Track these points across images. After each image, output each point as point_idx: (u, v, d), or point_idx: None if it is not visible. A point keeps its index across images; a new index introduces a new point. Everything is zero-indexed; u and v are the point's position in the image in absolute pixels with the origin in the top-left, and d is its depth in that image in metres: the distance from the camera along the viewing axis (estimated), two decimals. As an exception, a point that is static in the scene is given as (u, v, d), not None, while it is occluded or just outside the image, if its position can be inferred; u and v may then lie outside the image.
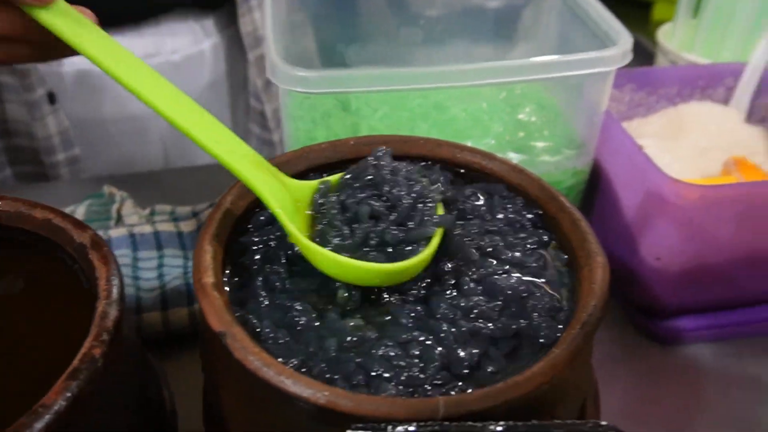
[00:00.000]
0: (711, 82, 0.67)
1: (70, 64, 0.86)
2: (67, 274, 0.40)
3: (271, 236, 0.41)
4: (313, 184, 0.42)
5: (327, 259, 0.37)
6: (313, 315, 0.36)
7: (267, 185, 0.40)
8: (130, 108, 0.91)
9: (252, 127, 1.01)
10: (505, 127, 0.62)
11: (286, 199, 0.40)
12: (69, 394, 0.30)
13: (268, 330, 0.35)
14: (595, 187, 0.60)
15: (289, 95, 0.55)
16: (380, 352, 0.34)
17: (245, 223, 0.42)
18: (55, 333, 0.39)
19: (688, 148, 0.63)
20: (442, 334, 0.34)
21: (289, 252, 0.40)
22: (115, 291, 0.36)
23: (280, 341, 0.35)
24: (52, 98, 0.86)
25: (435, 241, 0.39)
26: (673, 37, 0.77)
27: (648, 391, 0.54)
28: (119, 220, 0.68)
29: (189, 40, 0.91)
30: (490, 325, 0.35)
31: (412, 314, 0.36)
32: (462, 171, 0.48)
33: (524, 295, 0.37)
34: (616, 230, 0.57)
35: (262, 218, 0.42)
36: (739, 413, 0.52)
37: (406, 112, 0.65)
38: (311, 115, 0.62)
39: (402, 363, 0.33)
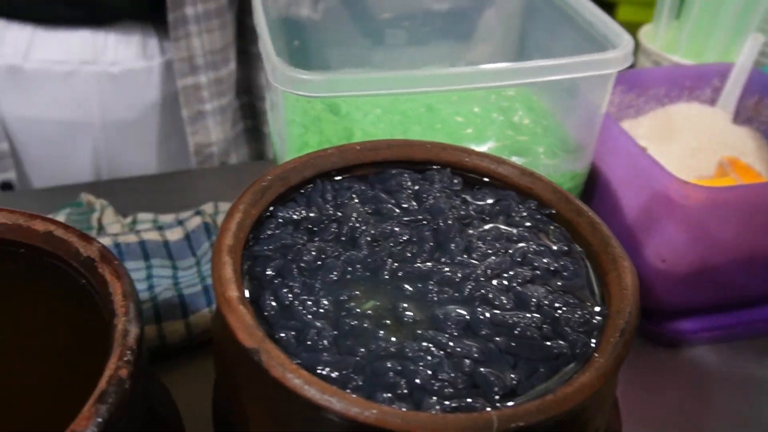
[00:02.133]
0: (698, 83, 0.68)
1: (1, 57, 0.83)
2: (73, 290, 0.38)
3: (285, 243, 0.40)
4: None
5: None
6: (348, 325, 0.35)
7: None
8: (60, 112, 0.88)
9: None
10: (501, 130, 0.61)
11: None
12: (99, 420, 0.28)
13: (294, 344, 0.34)
14: (591, 190, 0.60)
15: (285, 99, 0.54)
16: (421, 364, 0.32)
17: (257, 231, 0.41)
18: (60, 351, 0.37)
19: (679, 149, 0.63)
20: (484, 356, 0.34)
21: (303, 262, 0.39)
22: (132, 307, 0.34)
23: (307, 356, 0.33)
24: None
25: None
26: (656, 39, 0.78)
27: (652, 394, 0.54)
28: (101, 229, 0.66)
29: (135, 54, 0.88)
30: (529, 347, 0.35)
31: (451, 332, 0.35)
32: (469, 176, 0.47)
33: (558, 306, 0.36)
34: (616, 233, 0.56)
35: (273, 225, 0.41)
36: (744, 414, 0.52)
37: (398, 116, 0.64)
38: (303, 119, 0.60)
39: (445, 377, 0.32)
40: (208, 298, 0.56)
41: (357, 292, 0.37)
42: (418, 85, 0.49)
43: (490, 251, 0.40)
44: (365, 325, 0.35)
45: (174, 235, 0.64)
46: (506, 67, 0.50)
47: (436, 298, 0.37)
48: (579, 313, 0.36)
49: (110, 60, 0.86)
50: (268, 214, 0.42)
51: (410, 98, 0.65)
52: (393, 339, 0.34)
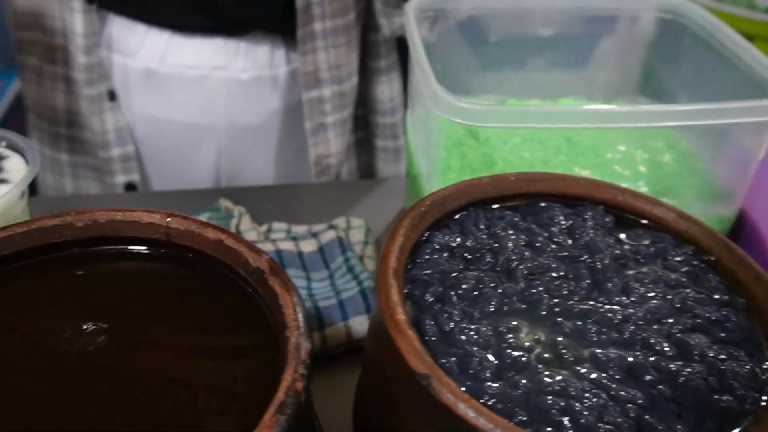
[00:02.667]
0: None
1: (139, 60, 0.88)
2: (240, 298, 0.40)
3: (443, 269, 0.40)
4: None
5: None
6: (510, 357, 0.35)
7: None
8: (189, 115, 0.92)
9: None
10: (644, 169, 0.60)
11: None
12: (279, 430, 0.30)
13: (457, 372, 0.35)
14: (737, 235, 0.59)
15: (438, 123, 0.54)
16: (586, 404, 0.32)
17: (414, 256, 0.42)
18: (221, 355, 0.38)
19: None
20: (650, 403, 0.33)
21: (461, 289, 0.39)
22: (303, 321, 0.35)
23: (472, 385, 0.34)
24: (112, 96, 0.88)
25: None
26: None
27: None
28: (238, 236, 0.68)
29: (263, 62, 0.91)
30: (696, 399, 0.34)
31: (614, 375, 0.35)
32: (621, 214, 0.47)
33: (723, 358, 0.36)
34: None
35: (430, 251, 0.42)
36: None
37: (536, 145, 0.64)
38: (445, 142, 0.61)
39: (611, 420, 0.32)
40: (344, 312, 0.57)
41: (515, 324, 0.38)
42: (582, 121, 0.49)
43: (649, 294, 0.40)
44: (525, 358, 0.35)
45: (308, 246, 0.66)
46: (656, 110, 0.50)
47: (595, 339, 0.37)
48: (747, 367, 0.35)
49: (240, 67, 0.90)
50: (424, 238, 0.43)
51: (550, 129, 0.65)
52: (555, 375, 0.34)
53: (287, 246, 0.65)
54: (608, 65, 0.79)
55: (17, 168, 0.54)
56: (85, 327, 0.38)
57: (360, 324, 0.56)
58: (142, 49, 0.88)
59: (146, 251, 0.43)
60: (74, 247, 0.43)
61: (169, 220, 0.42)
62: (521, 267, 0.41)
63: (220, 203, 0.72)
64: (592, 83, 0.78)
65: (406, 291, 0.39)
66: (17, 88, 1.93)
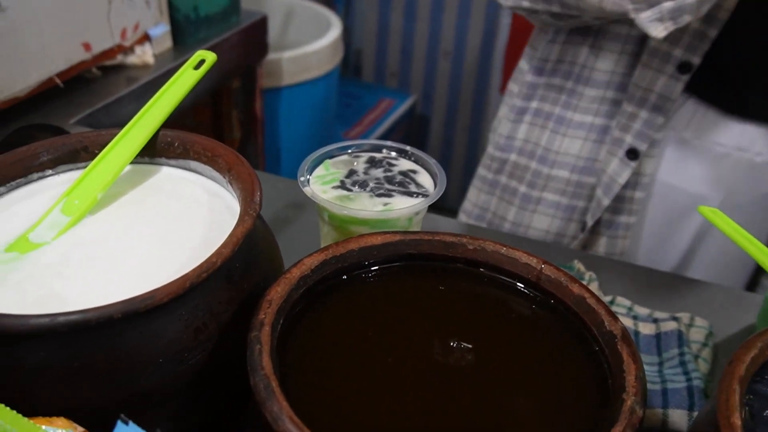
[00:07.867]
0: None
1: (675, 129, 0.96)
2: (586, 353, 0.44)
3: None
4: None
5: None
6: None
7: None
8: (695, 186, 0.98)
9: None
10: None
11: None
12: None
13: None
14: None
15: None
16: None
17: (762, 371, 0.43)
18: (555, 399, 0.43)
19: None
20: None
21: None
22: (642, 390, 0.39)
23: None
24: (633, 154, 0.95)
25: None
26: None
27: None
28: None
29: None
30: None
31: None
32: None
33: None
34: None
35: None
36: None
37: None
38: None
39: None
40: (665, 401, 0.59)
41: None
42: None
43: None
44: None
45: (645, 329, 0.68)
46: None
47: None
48: None
49: (757, 150, 0.94)
50: (774, 359, 0.44)
51: None
52: None
53: (626, 322, 0.68)
54: None
55: (426, 182, 0.63)
56: (452, 343, 0.45)
57: (679, 417, 0.57)
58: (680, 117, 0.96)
59: (517, 286, 0.49)
60: (459, 263, 0.50)
61: (543, 266, 0.48)
62: None
63: (574, 264, 0.77)
64: None
65: (745, 399, 0.41)
66: (407, 107, 2.17)
